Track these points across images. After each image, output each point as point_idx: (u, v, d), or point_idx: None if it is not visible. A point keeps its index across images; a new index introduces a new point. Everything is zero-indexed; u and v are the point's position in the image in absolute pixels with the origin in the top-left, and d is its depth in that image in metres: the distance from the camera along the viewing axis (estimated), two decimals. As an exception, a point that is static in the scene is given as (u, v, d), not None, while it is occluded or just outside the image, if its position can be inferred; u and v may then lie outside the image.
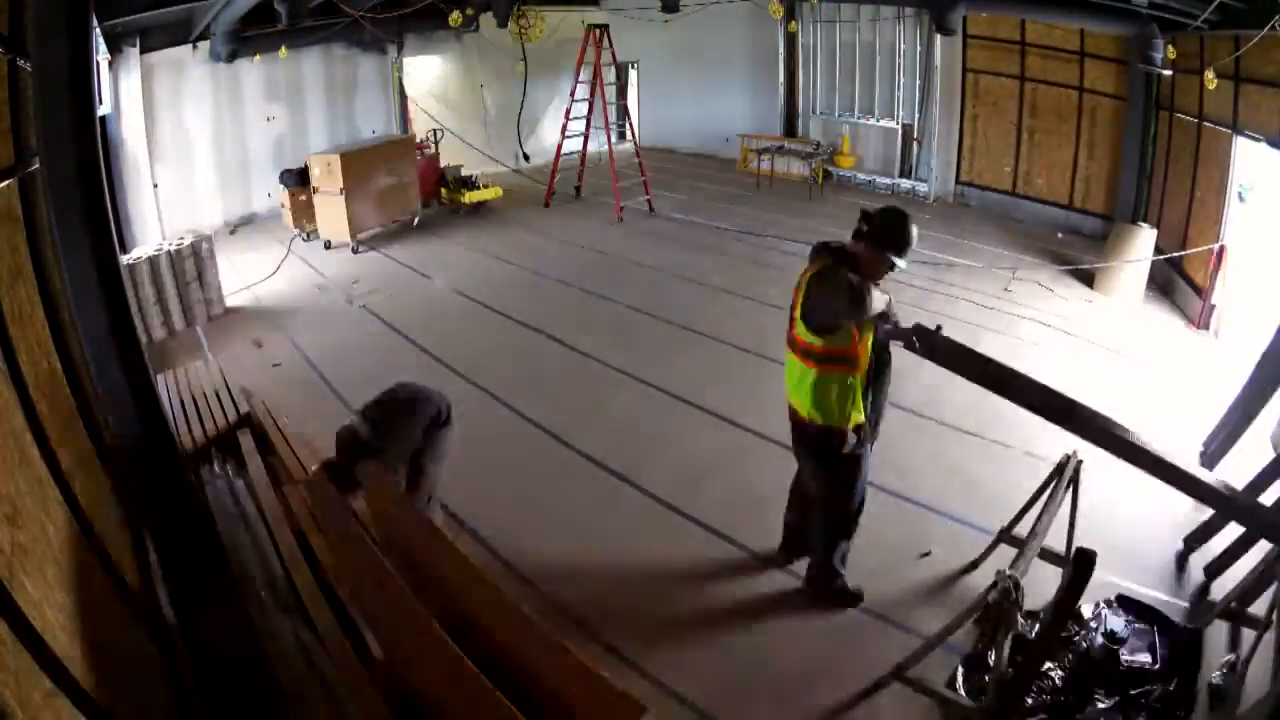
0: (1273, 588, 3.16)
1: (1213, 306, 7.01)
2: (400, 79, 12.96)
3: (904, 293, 7.90)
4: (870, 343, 3.33)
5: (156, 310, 7.33)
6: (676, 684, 3.31)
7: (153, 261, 7.30)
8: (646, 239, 9.99)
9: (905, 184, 11.96)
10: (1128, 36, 8.42)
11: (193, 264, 7.62)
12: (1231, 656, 3.29)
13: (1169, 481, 2.75)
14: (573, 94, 11.38)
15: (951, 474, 4.83)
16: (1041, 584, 3.29)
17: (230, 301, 8.10)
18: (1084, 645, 3.31)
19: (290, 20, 9.00)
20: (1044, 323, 7.30)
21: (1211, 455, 4.74)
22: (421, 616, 2.22)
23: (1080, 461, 3.55)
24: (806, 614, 3.75)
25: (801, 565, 3.95)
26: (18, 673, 1.60)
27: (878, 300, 3.18)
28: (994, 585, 2.87)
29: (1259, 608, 3.29)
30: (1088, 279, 8.20)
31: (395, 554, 2.80)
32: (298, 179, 9.91)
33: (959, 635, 3.36)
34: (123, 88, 9.01)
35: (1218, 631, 3.45)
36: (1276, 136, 5.96)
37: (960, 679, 3.26)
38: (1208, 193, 7.31)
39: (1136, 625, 3.43)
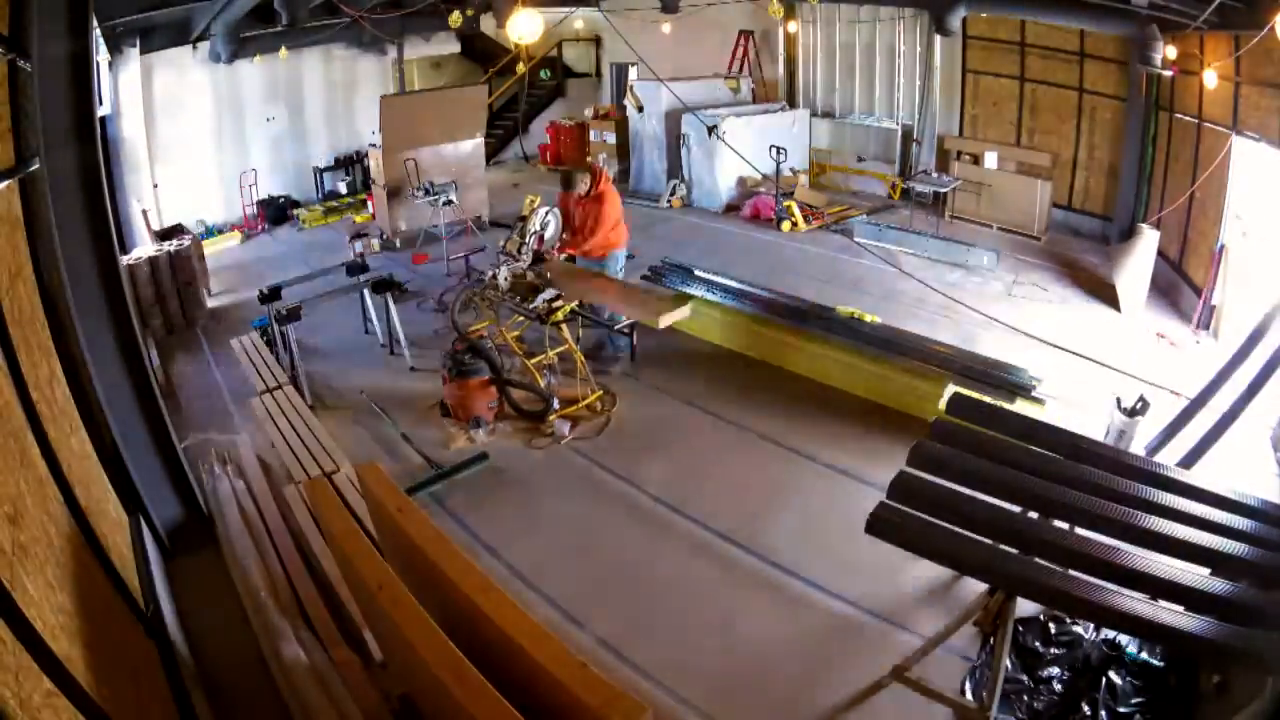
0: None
1: (1213, 307, 7.00)
2: (401, 79, 12.94)
3: (904, 295, 7.90)
4: None
5: (156, 310, 7.33)
6: (677, 685, 3.31)
7: (153, 261, 7.30)
8: (644, 236, 10.00)
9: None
10: (1127, 37, 8.40)
11: (193, 264, 7.62)
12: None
13: None
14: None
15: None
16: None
17: (229, 301, 8.10)
18: (1085, 648, 3.31)
19: (290, 21, 8.99)
20: (1044, 324, 7.28)
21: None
22: (421, 617, 2.22)
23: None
24: (806, 615, 3.75)
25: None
26: (18, 673, 1.60)
27: None
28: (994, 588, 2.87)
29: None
30: (1088, 281, 8.19)
31: (395, 554, 2.80)
32: None
33: (958, 636, 3.37)
34: (123, 88, 9.00)
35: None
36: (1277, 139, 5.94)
37: (968, 681, 3.26)
38: (1208, 194, 7.30)
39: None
